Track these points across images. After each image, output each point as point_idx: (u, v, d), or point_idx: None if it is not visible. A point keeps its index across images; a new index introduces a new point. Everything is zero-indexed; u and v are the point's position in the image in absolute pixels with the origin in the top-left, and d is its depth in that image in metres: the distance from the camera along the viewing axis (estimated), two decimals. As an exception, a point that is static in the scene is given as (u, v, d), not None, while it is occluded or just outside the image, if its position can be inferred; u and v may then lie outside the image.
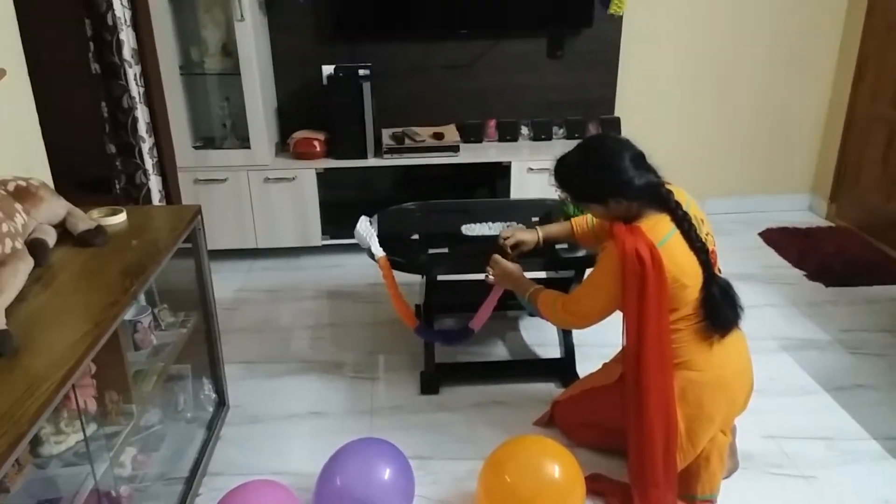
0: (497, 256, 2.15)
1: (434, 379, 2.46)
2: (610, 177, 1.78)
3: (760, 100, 3.80)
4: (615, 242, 1.76)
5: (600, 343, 2.47)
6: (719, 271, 1.85)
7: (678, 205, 1.78)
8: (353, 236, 2.42)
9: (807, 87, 3.85)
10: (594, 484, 1.99)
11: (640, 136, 3.64)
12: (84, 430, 1.33)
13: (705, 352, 1.83)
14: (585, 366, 2.38)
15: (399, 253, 2.35)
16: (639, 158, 1.80)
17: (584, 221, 2.22)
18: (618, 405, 1.95)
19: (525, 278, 2.11)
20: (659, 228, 1.77)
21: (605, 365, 2.19)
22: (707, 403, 1.83)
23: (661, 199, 1.79)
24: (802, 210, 4.08)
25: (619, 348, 2.10)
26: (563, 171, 1.89)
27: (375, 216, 2.63)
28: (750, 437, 2.14)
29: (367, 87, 3.33)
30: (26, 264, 1.44)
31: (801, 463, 2.08)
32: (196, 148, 3.37)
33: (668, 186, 1.81)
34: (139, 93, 2.85)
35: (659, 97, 3.78)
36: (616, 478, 2.01)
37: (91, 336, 1.28)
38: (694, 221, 1.78)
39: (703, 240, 1.78)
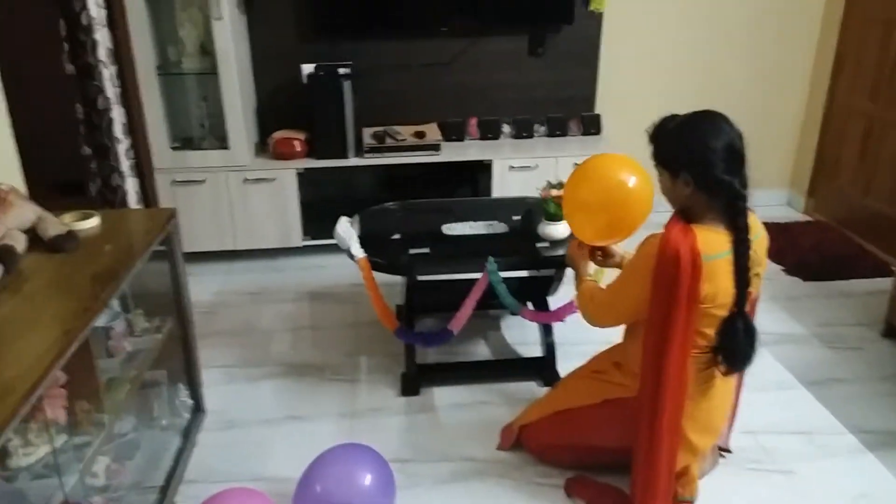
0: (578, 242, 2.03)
1: (414, 380, 2.45)
2: (694, 149, 1.64)
3: (740, 96, 3.81)
4: (660, 236, 1.64)
5: (581, 341, 2.49)
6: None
7: (746, 229, 1.62)
8: (334, 236, 2.40)
9: (785, 82, 3.88)
10: (581, 489, 1.97)
11: (621, 133, 3.71)
12: (52, 442, 1.31)
13: (699, 382, 1.77)
14: (566, 365, 2.38)
15: (380, 253, 2.34)
16: (735, 157, 1.63)
17: None
18: (598, 426, 1.92)
19: (585, 270, 2.00)
20: (714, 242, 1.62)
21: (572, 381, 2.10)
22: (690, 431, 1.80)
23: (734, 211, 1.62)
24: (781, 205, 4.12)
25: (596, 351, 2.11)
26: (662, 125, 1.74)
27: (356, 216, 2.62)
28: (729, 434, 2.16)
29: (347, 85, 3.30)
30: (-7, 272, 1.41)
31: (779, 458, 2.10)
32: (174, 149, 3.33)
33: (748, 209, 1.64)
34: (115, 93, 2.82)
35: (639, 94, 3.79)
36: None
37: (60, 345, 1.26)
38: (753, 256, 1.64)
39: (750, 277, 1.65)
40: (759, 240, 1.72)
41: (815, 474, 2.03)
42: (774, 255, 3.41)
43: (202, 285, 3.20)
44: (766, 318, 2.88)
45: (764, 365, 2.56)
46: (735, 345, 1.69)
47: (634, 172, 1.87)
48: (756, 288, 1.75)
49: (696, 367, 1.75)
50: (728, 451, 2.11)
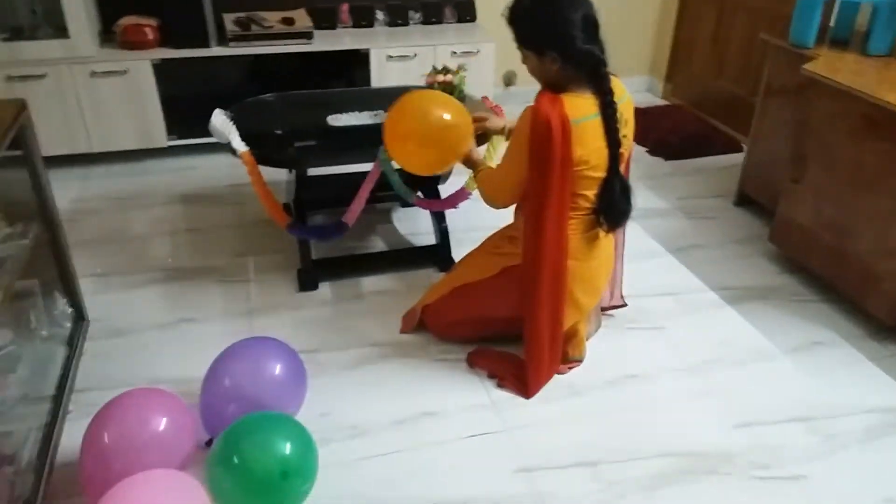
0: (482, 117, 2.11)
1: (311, 275, 2.41)
2: (556, 26, 1.69)
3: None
4: (531, 108, 1.71)
5: (473, 227, 2.55)
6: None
7: (610, 91, 1.73)
8: (204, 135, 2.24)
9: (646, -30, 4.00)
10: (481, 359, 2.09)
11: (491, 21, 3.68)
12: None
13: (584, 243, 1.89)
14: (460, 251, 2.44)
15: (263, 148, 2.21)
16: (592, 25, 1.71)
17: None
18: (496, 296, 2.01)
19: (479, 159, 2.01)
20: (581, 106, 1.72)
21: (469, 259, 2.18)
22: (577, 290, 1.93)
23: (596, 76, 1.72)
24: (641, 91, 4.35)
25: (488, 235, 2.18)
26: (515, 6, 1.76)
27: (231, 110, 2.44)
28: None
29: (201, -36, 2.99)
30: None
31: (652, 316, 2.33)
32: (2, 40, 2.89)
33: (609, 72, 1.75)
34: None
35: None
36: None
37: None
38: (619, 118, 1.75)
39: (620, 137, 1.76)
40: (625, 103, 1.82)
41: (683, 327, 2.28)
42: (638, 137, 3.58)
43: (57, 192, 2.85)
44: (634, 196, 3.09)
45: (635, 236, 2.77)
46: (613, 202, 1.83)
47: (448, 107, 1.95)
48: (627, 149, 1.87)
49: (580, 230, 1.88)
50: (624, 305, 2.31)
